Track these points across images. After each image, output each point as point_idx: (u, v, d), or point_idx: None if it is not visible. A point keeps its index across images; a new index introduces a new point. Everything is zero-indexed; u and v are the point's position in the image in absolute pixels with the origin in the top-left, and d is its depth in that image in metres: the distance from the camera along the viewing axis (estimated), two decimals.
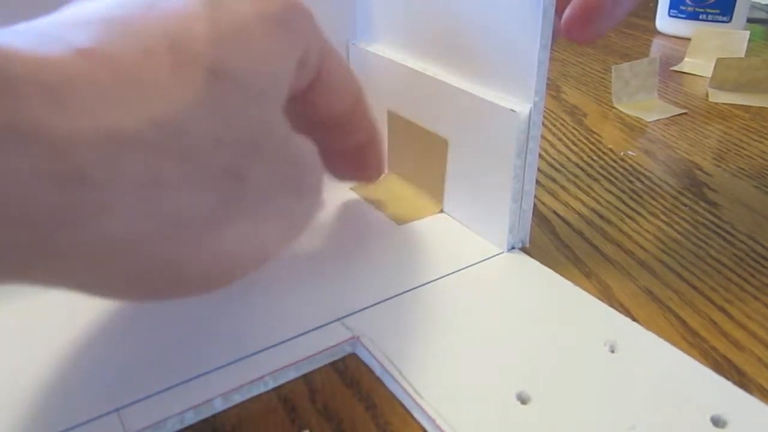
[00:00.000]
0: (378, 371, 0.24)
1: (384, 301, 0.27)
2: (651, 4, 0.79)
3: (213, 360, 0.24)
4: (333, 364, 0.24)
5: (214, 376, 0.23)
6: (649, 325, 0.26)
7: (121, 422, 0.21)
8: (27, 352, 0.25)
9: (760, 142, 0.45)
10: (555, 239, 0.33)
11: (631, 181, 0.39)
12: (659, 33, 0.77)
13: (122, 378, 0.23)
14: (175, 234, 0.18)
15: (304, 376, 0.24)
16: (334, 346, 0.24)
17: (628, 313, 0.27)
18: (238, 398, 0.23)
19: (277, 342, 0.24)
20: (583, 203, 0.37)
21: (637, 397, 0.22)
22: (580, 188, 0.38)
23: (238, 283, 0.28)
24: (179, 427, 0.22)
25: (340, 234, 0.32)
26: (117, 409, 0.22)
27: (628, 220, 0.35)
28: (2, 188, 0.15)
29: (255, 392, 0.23)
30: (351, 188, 0.37)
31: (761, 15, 0.88)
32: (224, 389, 0.22)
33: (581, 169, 0.41)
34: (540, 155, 0.35)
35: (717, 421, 0.21)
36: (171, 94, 0.18)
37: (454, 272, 0.29)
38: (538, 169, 0.33)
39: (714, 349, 0.25)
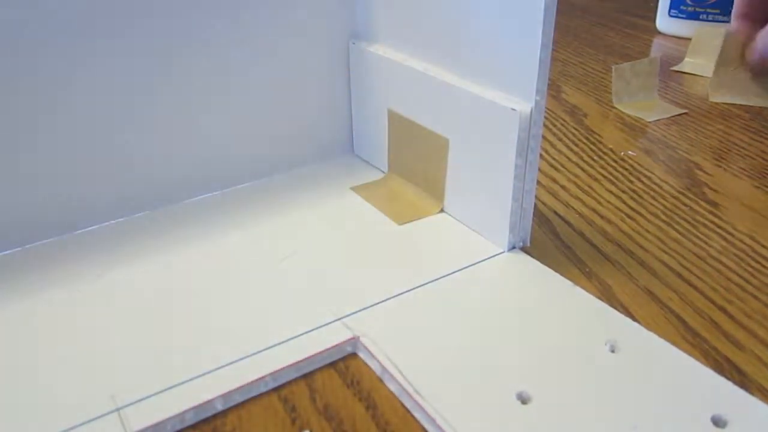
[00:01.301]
0: (378, 371, 0.24)
1: (384, 301, 0.27)
2: (651, 4, 0.79)
3: (213, 360, 0.24)
4: (333, 364, 0.24)
5: (214, 376, 0.23)
6: (649, 325, 0.26)
7: (121, 422, 0.21)
8: (27, 351, 0.25)
9: (761, 142, 0.45)
10: (555, 239, 0.33)
11: (631, 181, 0.39)
12: (659, 33, 0.77)
13: (122, 378, 0.23)
14: None
15: (305, 376, 0.24)
16: (334, 346, 0.24)
17: (628, 313, 0.27)
18: (238, 398, 0.23)
19: (277, 342, 0.24)
20: (584, 203, 0.36)
21: (637, 397, 0.22)
22: (580, 188, 0.38)
23: (239, 283, 0.28)
24: (179, 427, 0.21)
25: (340, 234, 0.32)
26: (117, 409, 0.22)
27: (628, 220, 0.35)
28: None
29: (255, 392, 0.23)
30: (351, 188, 0.37)
31: None
32: (224, 389, 0.22)
33: (581, 169, 0.41)
34: (540, 155, 0.35)
35: (717, 421, 0.21)
36: None
37: (454, 272, 0.29)
38: (539, 169, 0.33)
39: (714, 349, 0.25)
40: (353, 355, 0.25)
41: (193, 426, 0.22)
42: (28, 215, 0.31)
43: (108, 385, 0.23)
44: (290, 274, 0.29)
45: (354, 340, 0.25)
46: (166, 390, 0.22)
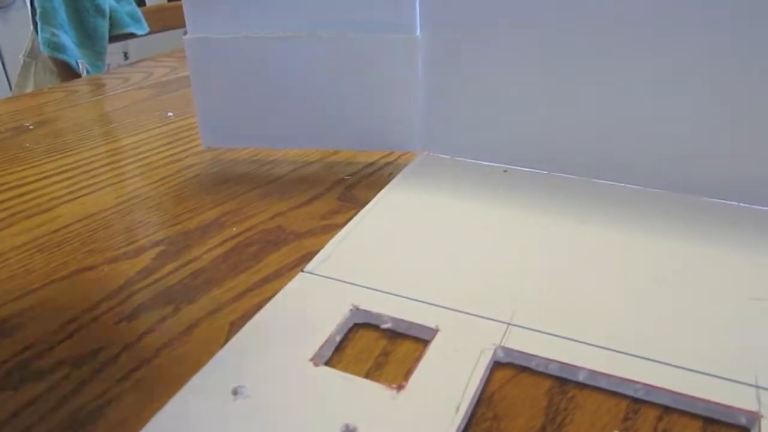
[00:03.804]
0: None
1: None
2: None
3: (618, 342, 0.24)
4: (711, 420, 0.21)
5: (604, 353, 0.23)
6: None
7: (505, 336, 0.24)
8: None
9: None
10: None
11: None
12: None
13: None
14: None
15: (664, 408, 0.22)
16: (727, 407, 0.21)
17: None
18: (600, 382, 0.22)
19: (675, 364, 0.23)
20: None
21: None
22: None
23: (704, 296, 0.26)
24: (541, 369, 0.23)
25: None
26: (508, 324, 0.25)
27: None
28: None
29: (614, 387, 0.22)
30: None
31: None
32: (593, 366, 0.23)
33: None
34: None
35: None
36: None
37: None
38: None
39: None
40: (743, 430, 0.21)
41: (551, 377, 0.23)
42: None
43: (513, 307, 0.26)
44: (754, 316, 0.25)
45: (753, 416, 0.21)
46: (562, 338, 0.24)
